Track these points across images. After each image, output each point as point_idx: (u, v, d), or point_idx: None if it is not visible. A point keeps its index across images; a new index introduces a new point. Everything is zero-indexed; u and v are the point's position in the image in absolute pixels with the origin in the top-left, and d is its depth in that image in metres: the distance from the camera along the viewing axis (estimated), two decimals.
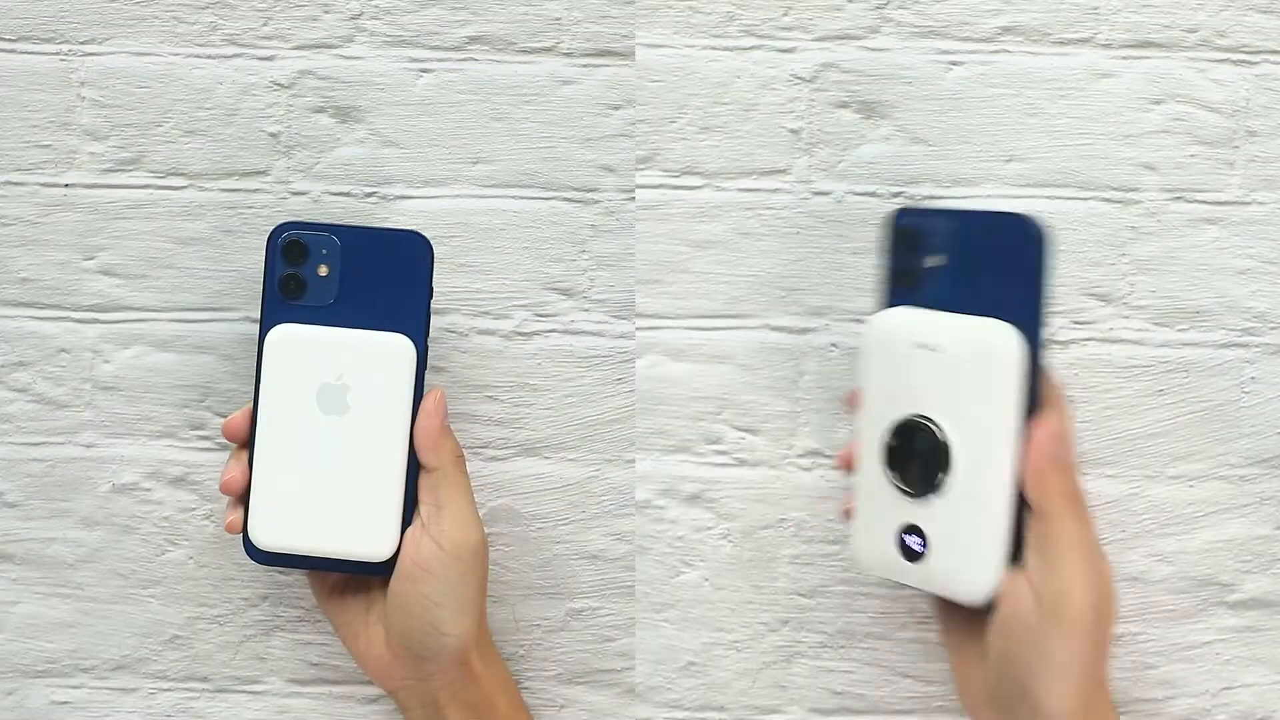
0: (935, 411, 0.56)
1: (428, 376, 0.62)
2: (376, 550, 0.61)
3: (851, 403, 0.60)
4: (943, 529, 0.56)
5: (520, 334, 0.68)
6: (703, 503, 0.68)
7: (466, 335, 0.68)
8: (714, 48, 0.67)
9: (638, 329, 0.67)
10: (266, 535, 0.61)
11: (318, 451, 0.60)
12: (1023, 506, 0.54)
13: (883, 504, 0.57)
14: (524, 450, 0.68)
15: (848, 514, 0.60)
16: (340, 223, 0.64)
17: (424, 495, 0.60)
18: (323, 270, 0.61)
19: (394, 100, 0.67)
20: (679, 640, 0.68)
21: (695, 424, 0.68)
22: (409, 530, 0.60)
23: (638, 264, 0.67)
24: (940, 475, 0.55)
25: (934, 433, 0.56)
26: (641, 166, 0.67)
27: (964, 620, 0.58)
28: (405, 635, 0.60)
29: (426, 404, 0.60)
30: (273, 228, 0.61)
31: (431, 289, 0.61)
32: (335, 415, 0.60)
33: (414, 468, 0.61)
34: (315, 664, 0.69)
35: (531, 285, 0.68)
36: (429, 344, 0.61)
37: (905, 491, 0.57)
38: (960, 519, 0.55)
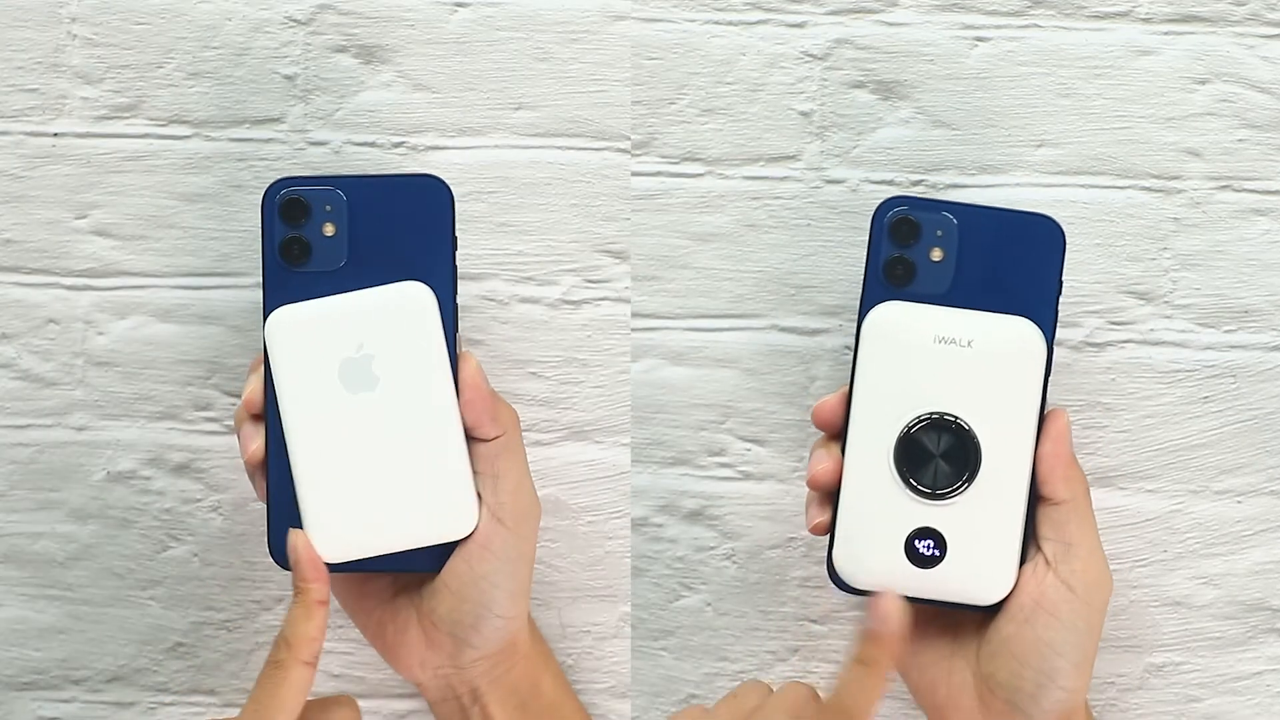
0: (960, 409, 0.57)
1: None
2: (458, 529, 0.58)
3: (827, 412, 0.59)
4: (963, 530, 0.57)
5: (568, 302, 0.66)
6: (705, 520, 0.67)
7: (507, 304, 0.66)
8: (717, 22, 0.66)
9: (634, 330, 0.67)
10: (332, 549, 0.58)
11: (358, 438, 0.57)
12: (1033, 501, 0.57)
13: (886, 509, 0.58)
14: (572, 433, 0.67)
15: (819, 529, 0.59)
16: (347, 174, 0.63)
17: (480, 465, 0.58)
18: (329, 229, 0.58)
19: (425, 38, 0.66)
20: (678, 670, 0.67)
21: (696, 434, 0.67)
22: None
23: (633, 259, 0.66)
24: (968, 474, 0.57)
25: (964, 430, 0.57)
26: (638, 152, 0.66)
27: (942, 630, 0.60)
28: (454, 620, 0.58)
29: (466, 373, 0.58)
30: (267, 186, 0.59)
31: (455, 239, 0.58)
32: (365, 392, 0.57)
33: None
34: (337, 675, 0.68)
35: (580, 248, 0.66)
36: (458, 302, 0.59)
37: (925, 493, 0.57)
38: (983, 518, 0.57)
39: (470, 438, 0.58)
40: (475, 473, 0.58)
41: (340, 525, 0.57)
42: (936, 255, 0.58)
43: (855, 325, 0.58)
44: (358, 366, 0.57)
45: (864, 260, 0.60)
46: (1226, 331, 0.65)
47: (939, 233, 0.57)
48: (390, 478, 0.57)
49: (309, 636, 0.55)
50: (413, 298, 0.57)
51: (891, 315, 0.58)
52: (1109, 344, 0.65)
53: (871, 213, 0.61)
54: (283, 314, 0.58)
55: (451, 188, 0.58)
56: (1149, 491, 0.65)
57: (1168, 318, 0.65)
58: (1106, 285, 0.65)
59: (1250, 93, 0.65)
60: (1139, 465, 0.65)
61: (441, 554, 0.59)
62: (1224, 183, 0.65)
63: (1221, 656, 0.65)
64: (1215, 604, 0.65)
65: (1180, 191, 0.65)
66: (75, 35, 0.66)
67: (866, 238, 0.58)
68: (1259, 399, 0.65)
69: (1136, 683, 0.65)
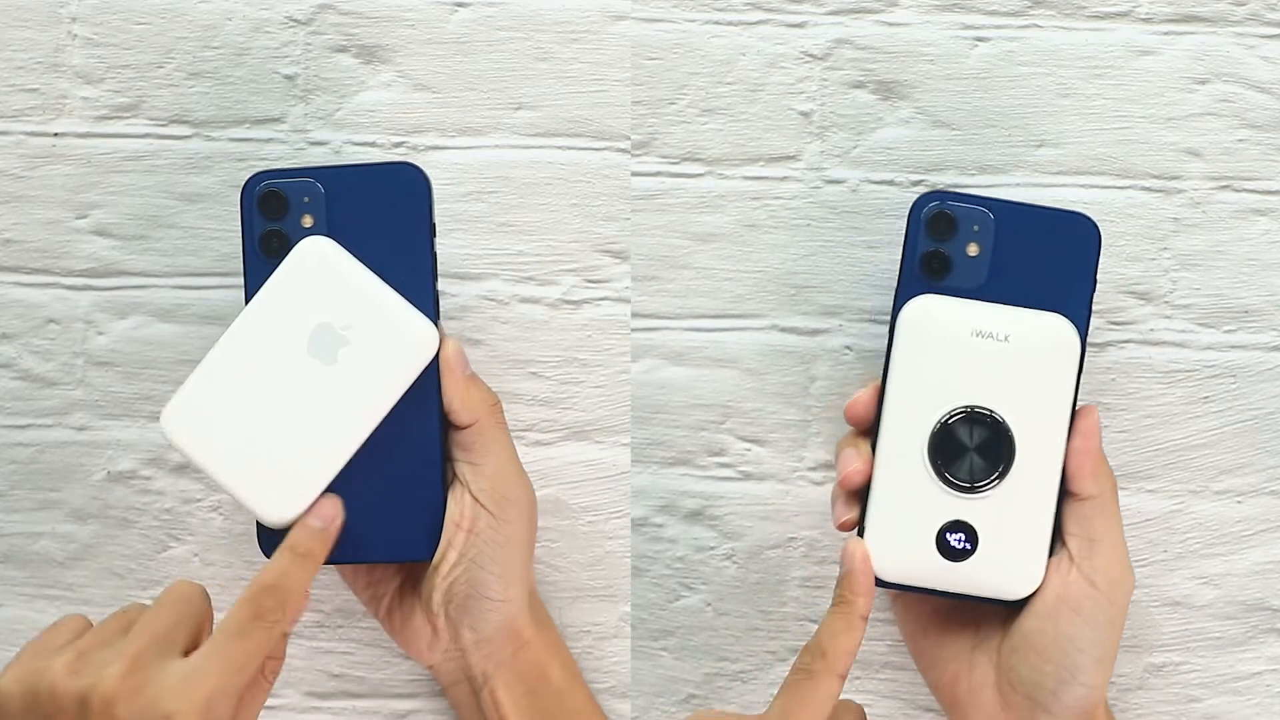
0: (994, 402, 0.57)
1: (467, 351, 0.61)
2: None
3: (860, 408, 0.59)
4: (995, 524, 0.57)
5: (568, 302, 0.66)
6: (705, 520, 0.67)
7: (507, 304, 0.66)
8: (717, 22, 0.66)
9: (634, 330, 0.66)
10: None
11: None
12: (1061, 496, 0.58)
13: (919, 503, 0.58)
14: (572, 433, 0.66)
15: (847, 525, 0.59)
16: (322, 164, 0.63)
17: (458, 453, 0.59)
18: (307, 221, 0.59)
19: (425, 38, 0.66)
20: (678, 670, 0.67)
21: (696, 434, 0.66)
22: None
23: (633, 259, 0.66)
24: (1002, 468, 0.57)
25: (999, 424, 0.57)
26: (638, 152, 0.66)
27: (964, 625, 0.60)
28: (446, 602, 0.59)
29: (446, 354, 0.58)
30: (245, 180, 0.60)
31: (434, 226, 0.59)
32: (344, 348, 0.57)
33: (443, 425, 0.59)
34: (337, 675, 0.67)
35: (580, 248, 0.66)
36: (439, 290, 0.59)
37: (958, 486, 0.57)
38: (1014, 512, 0.57)
39: (449, 425, 0.59)
40: (456, 459, 0.59)
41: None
42: (973, 250, 0.58)
43: (890, 318, 0.58)
44: (324, 336, 0.57)
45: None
46: (1226, 331, 0.65)
47: (975, 228, 0.58)
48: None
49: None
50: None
51: (928, 308, 0.58)
52: (1109, 344, 0.65)
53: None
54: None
55: (429, 175, 0.59)
56: (1149, 491, 0.65)
57: (1168, 318, 0.65)
58: (1106, 285, 0.65)
59: (1250, 93, 0.65)
60: (1139, 465, 0.65)
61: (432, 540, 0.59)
62: (1224, 183, 0.65)
63: (1221, 656, 0.65)
64: (1215, 604, 0.65)
65: (1180, 191, 0.65)
66: (75, 35, 0.66)
67: (903, 232, 0.58)
68: (1259, 399, 0.65)
69: (1136, 683, 0.65)
